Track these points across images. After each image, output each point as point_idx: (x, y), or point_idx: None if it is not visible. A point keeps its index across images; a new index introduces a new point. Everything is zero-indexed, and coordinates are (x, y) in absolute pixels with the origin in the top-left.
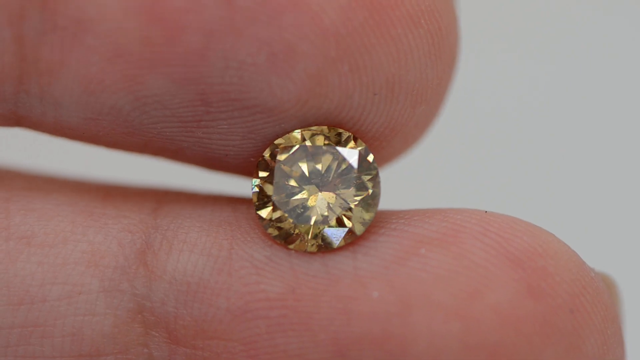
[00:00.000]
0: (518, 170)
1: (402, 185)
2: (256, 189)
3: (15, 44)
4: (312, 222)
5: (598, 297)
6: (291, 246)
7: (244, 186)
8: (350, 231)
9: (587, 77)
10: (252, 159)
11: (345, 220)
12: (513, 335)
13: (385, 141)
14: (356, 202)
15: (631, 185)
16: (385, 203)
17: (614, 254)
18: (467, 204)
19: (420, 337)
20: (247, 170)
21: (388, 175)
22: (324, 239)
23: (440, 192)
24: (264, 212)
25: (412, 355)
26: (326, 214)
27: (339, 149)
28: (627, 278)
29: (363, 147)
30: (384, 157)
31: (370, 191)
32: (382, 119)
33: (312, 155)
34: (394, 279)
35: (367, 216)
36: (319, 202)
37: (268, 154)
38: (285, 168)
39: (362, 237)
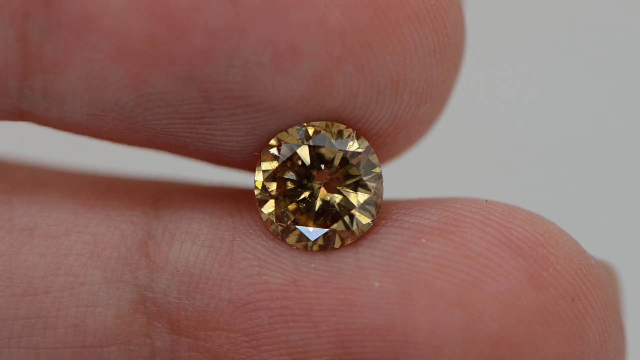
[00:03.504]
0: (519, 160)
1: (403, 178)
2: (258, 185)
3: (19, 41)
4: (313, 221)
5: (599, 285)
6: (292, 243)
7: (247, 179)
8: (352, 231)
9: (591, 75)
10: (255, 154)
11: (347, 219)
12: (515, 325)
13: (389, 138)
14: (359, 201)
15: (631, 174)
16: (387, 197)
17: (615, 242)
18: (468, 194)
19: (422, 327)
20: (251, 165)
21: (390, 168)
22: (325, 238)
23: (441, 184)
24: (266, 209)
25: (413, 345)
26: (328, 212)
27: (342, 146)
28: (628, 265)
29: (366, 145)
30: (387, 154)
31: (373, 191)
32: (386, 117)
33: (315, 152)
34: (395, 269)
35: (369, 215)
36: (321, 199)
37: (271, 150)
38: (288, 164)
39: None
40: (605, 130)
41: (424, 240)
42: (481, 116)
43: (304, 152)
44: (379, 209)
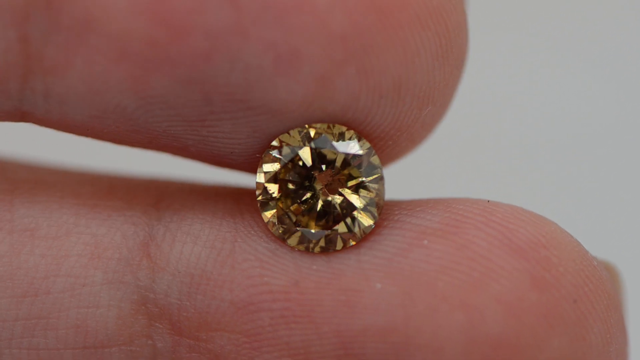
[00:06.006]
0: (521, 161)
1: (405, 179)
2: (260, 187)
3: (20, 43)
4: (315, 223)
5: (601, 286)
6: (294, 245)
7: (249, 180)
8: (354, 233)
9: (592, 77)
10: (257, 156)
11: (349, 221)
12: (517, 326)
13: (391, 141)
14: (360, 203)
15: (633, 175)
16: (389, 198)
17: (617, 242)
18: (470, 195)
19: (424, 329)
20: (253, 167)
21: (391, 169)
22: (327, 240)
23: (443, 185)
24: (268, 211)
25: (415, 347)
26: (330, 214)
27: (344, 148)
28: (630, 266)
29: (368, 146)
30: (389, 157)
31: (375, 192)
32: (388, 120)
33: (316, 153)
34: (397, 270)
35: (371, 217)
36: (323, 201)
37: (272, 152)
38: (289, 166)
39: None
40: (608, 131)
41: (426, 241)
42: (483, 118)
43: (305, 154)
44: (381, 210)
